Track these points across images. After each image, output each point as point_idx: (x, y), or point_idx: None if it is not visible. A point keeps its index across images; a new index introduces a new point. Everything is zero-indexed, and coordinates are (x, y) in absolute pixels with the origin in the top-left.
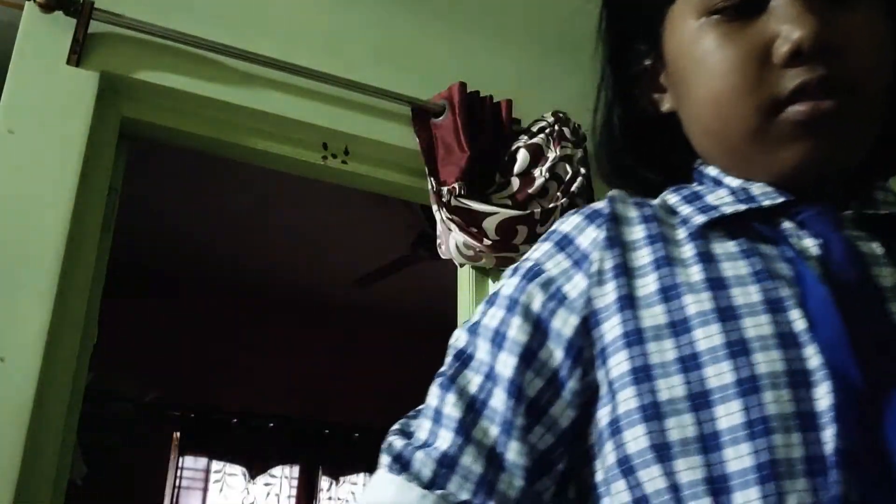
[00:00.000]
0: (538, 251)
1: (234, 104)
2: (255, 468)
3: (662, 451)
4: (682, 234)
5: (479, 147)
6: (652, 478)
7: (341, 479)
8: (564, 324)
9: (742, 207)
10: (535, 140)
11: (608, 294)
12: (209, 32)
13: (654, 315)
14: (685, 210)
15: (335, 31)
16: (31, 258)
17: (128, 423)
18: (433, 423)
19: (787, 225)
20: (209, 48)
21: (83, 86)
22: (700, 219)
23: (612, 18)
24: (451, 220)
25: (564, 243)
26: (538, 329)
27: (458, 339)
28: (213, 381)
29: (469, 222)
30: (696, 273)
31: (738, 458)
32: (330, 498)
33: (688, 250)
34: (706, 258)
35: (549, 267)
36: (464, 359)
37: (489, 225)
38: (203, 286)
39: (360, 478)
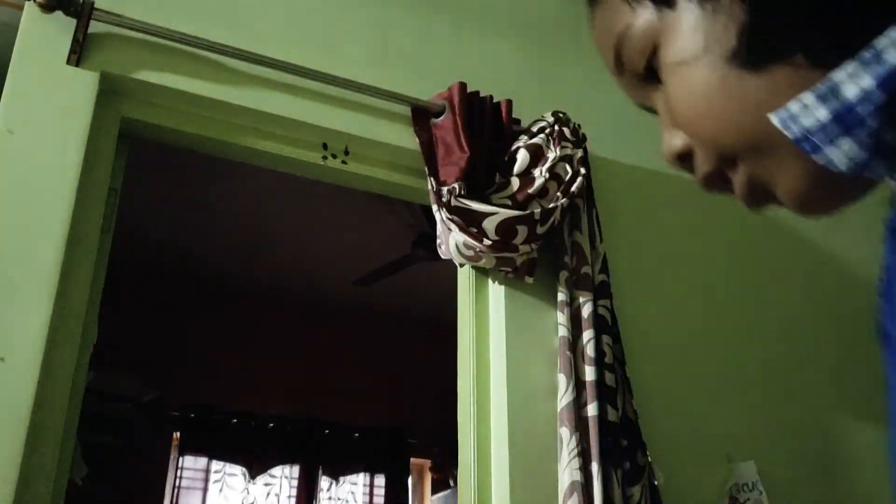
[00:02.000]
0: None
1: (234, 104)
2: (255, 468)
3: None
4: None
5: (478, 147)
6: None
7: (341, 479)
8: None
9: None
10: (535, 140)
11: None
12: (209, 32)
13: None
14: None
15: (335, 31)
16: (31, 258)
17: (128, 423)
18: None
19: None
20: (209, 48)
21: (83, 86)
22: None
23: None
24: (451, 220)
25: None
26: None
27: None
28: (213, 381)
29: (469, 222)
30: None
31: None
32: (330, 498)
33: None
34: None
35: None
36: None
37: (489, 225)
38: (203, 286)
39: (359, 478)
